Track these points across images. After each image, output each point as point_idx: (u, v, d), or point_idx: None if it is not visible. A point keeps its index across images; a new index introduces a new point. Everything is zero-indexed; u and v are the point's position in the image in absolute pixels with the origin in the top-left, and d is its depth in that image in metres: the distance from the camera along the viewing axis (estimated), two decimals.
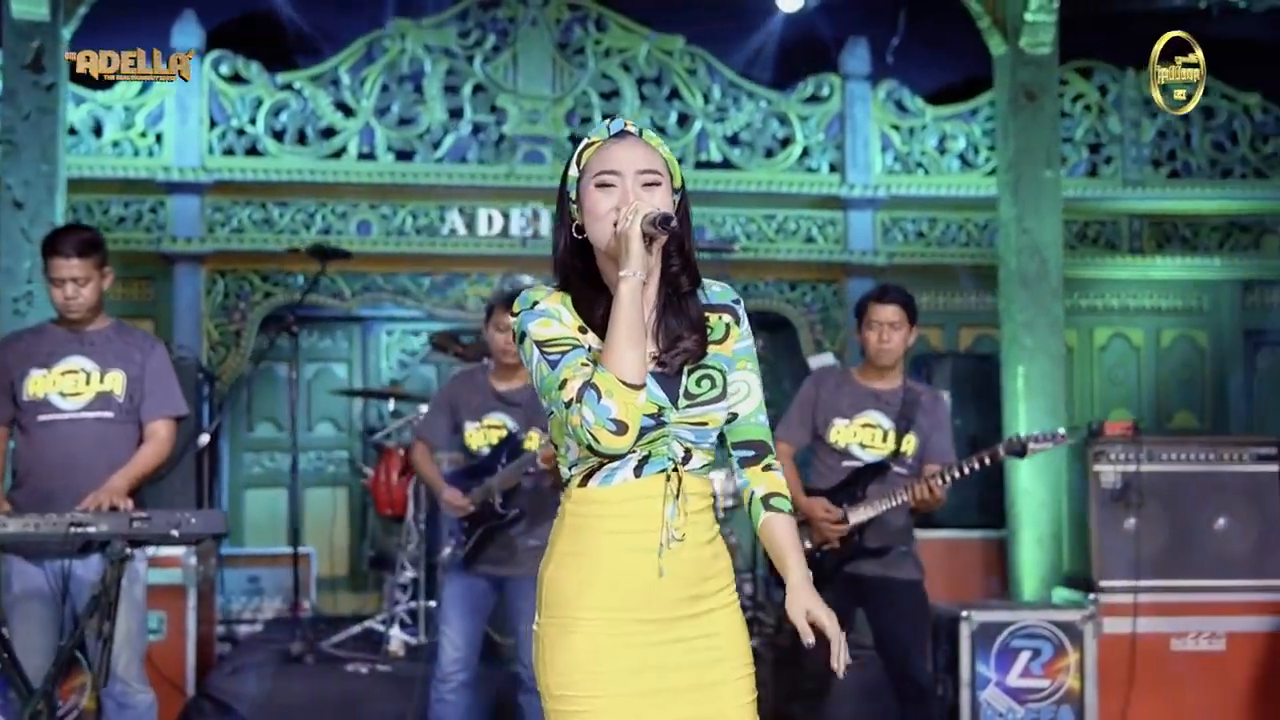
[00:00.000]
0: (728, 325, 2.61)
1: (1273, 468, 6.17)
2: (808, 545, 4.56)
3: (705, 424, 2.54)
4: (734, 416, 2.61)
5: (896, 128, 8.92)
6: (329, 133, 8.46)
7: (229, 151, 8.39)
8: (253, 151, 8.42)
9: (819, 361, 6.95)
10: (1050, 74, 6.76)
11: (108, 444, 4.53)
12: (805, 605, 2.50)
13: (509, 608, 5.00)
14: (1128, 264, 9.16)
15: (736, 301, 2.65)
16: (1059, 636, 5.70)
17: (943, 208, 8.94)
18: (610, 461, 2.50)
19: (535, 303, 2.55)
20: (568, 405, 2.44)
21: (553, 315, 2.54)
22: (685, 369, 2.54)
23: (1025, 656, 5.66)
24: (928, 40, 9.07)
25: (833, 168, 8.85)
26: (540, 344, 2.51)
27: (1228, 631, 6.05)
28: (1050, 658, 5.69)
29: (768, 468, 2.62)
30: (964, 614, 5.64)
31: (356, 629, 6.61)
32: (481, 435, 5.03)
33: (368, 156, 8.50)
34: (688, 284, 2.56)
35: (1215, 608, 6.06)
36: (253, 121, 8.41)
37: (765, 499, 2.59)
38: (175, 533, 4.15)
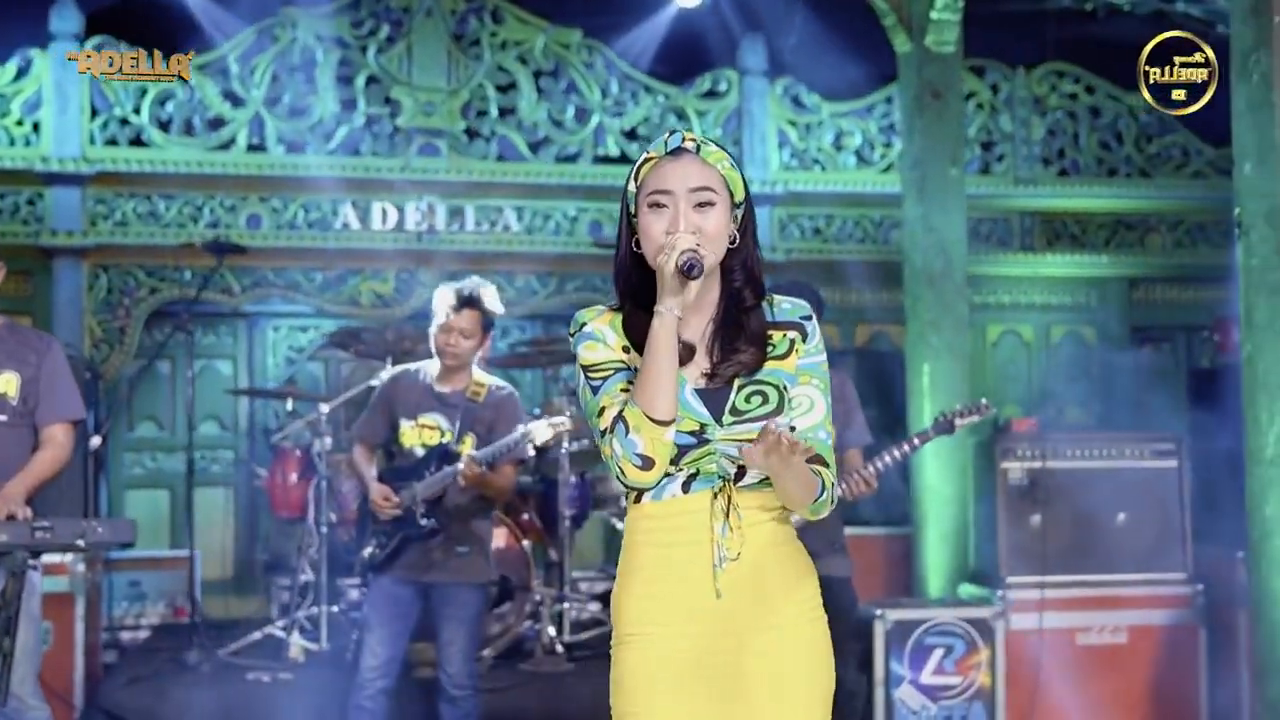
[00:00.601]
0: (792, 341, 2.55)
1: (1172, 463, 6.26)
2: None
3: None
4: (792, 429, 2.52)
5: (794, 124, 8.92)
6: (217, 123, 8.22)
7: (112, 142, 8.10)
8: (137, 142, 8.14)
9: None
10: (955, 72, 6.80)
11: (2, 449, 4.31)
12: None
13: (434, 614, 4.86)
14: (1019, 261, 9.27)
15: (807, 318, 2.59)
16: (971, 633, 5.72)
17: (839, 204, 8.95)
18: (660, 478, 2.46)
19: (583, 325, 2.54)
20: (603, 434, 2.44)
21: (598, 338, 2.52)
22: (736, 385, 2.48)
23: (938, 654, 5.68)
24: (824, 37, 9.07)
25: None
26: (586, 369, 2.51)
27: (1129, 625, 6.13)
28: (963, 655, 5.72)
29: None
30: (879, 612, 5.65)
31: (257, 635, 6.40)
32: (415, 434, 4.90)
33: (257, 148, 8.26)
34: (751, 298, 2.52)
35: (1117, 601, 6.13)
36: (137, 111, 8.13)
37: None
38: (81, 543, 3.97)
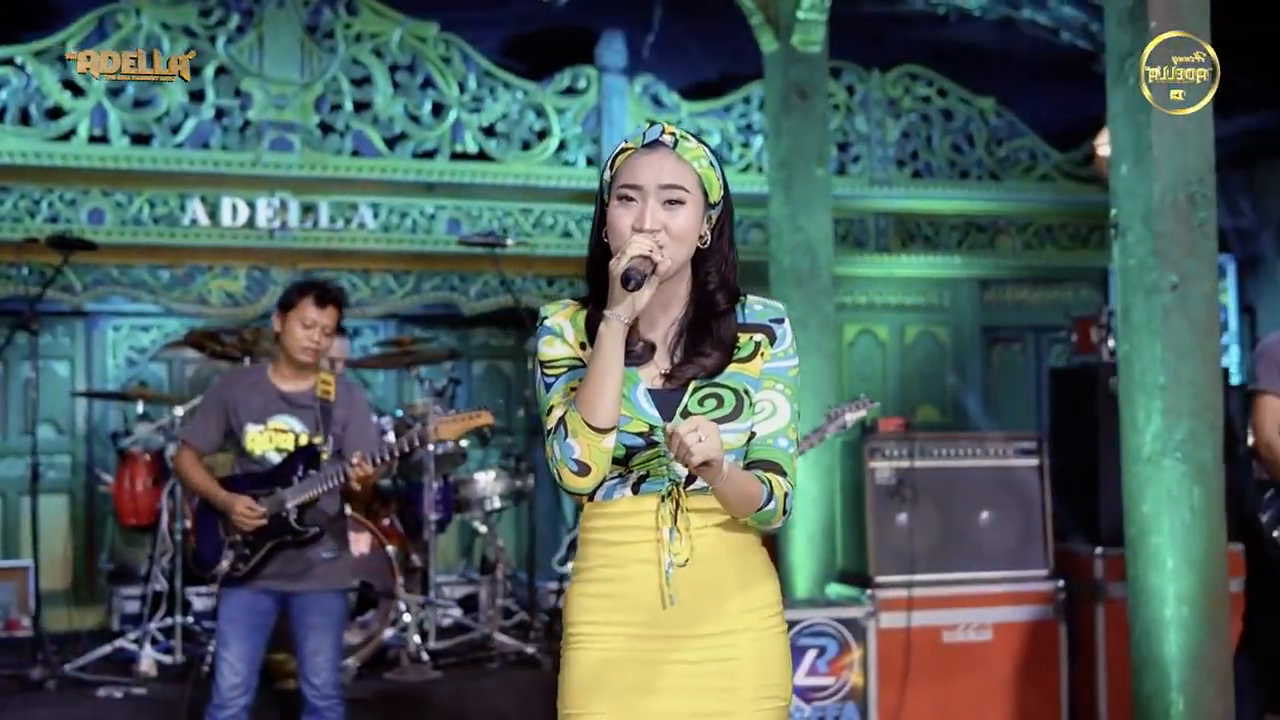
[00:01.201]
0: (758, 344, 2.46)
1: (1033, 462, 6.35)
2: None
3: None
4: (752, 435, 2.46)
5: (652, 123, 8.84)
6: (56, 113, 7.85)
7: None
8: None
9: None
10: (821, 73, 6.79)
11: None
12: None
13: (296, 623, 4.67)
14: (874, 261, 9.37)
15: (778, 320, 2.50)
16: (843, 634, 5.72)
17: None
18: (608, 479, 2.41)
19: (545, 318, 2.48)
20: (548, 435, 2.40)
21: (556, 333, 2.46)
22: (691, 386, 2.40)
23: (812, 655, 5.67)
24: (683, 36, 9.06)
25: (590, 161, 8.74)
26: (542, 364, 2.46)
27: (994, 622, 6.19)
28: (835, 655, 5.71)
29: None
30: None
31: (106, 649, 6.10)
32: (267, 439, 4.67)
33: (100, 139, 7.91)
34: (724, 303, 2.44)
35: (982, 599, 6.18)
36: None
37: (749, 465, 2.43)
38: None
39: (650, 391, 2.41)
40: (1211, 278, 4.29)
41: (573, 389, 2.39)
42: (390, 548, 6.08)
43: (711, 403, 2.40)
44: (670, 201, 2.36)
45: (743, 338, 2.46)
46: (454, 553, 8.53)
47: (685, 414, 2.38)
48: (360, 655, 5.93)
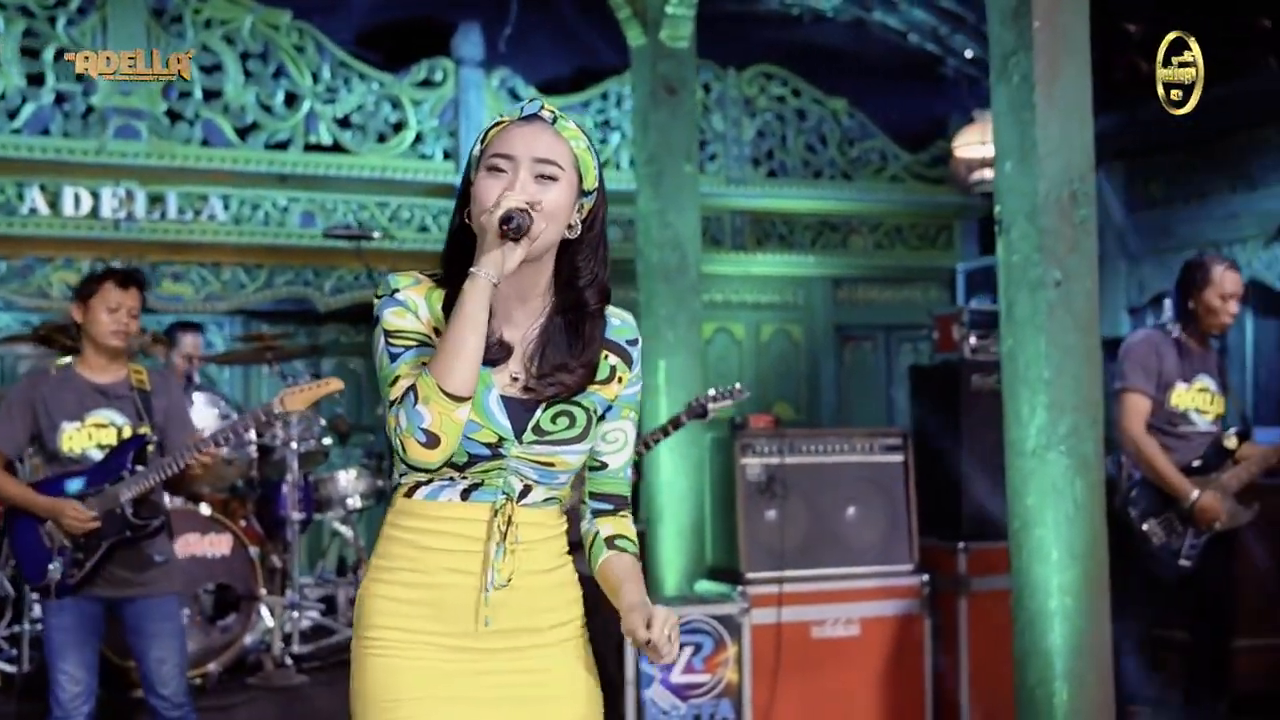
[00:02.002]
0: (613, 368, 2.33)
1: (899, 458, 6.41)
2: None
3: (551, 465, 2.27)
4: (603, 465, 2.37)
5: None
6: None
7: None
8: None
9: None
10: (689, 68, 6.77)
11: None
12: (641, 617, 2.20)
13: (134, 633, 4.43)
14: (731, 260, 9.40)
15: (633, 342, 2.36)
16: (719, 630, 5.70)
17: None
18: (438, 478, 2.23)
19: (396, 290, 2.26)
20: (391, 405, 2.17)
21: (409, 307, 2.25)
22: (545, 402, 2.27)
23: (688, 652, 5.62)
24: (538, 30, 8.97)
25: (447, 155, 8.60)
26: (388, 334, 2.23)
27: (861, 617, 6.22)
28: (711, 652, 5.68)
29: (623, 516, 2.40)
30: None
31: None
32: (85, 436, 4.43)
33: None
34: (594, 301, 2.28)
35: (850, 595, 6.20)
36: None
37: (610, 539, 2.37)
38: None
39: (503, 399, 2.25)
40: (1093, 274, 4.36)
41: (424, 363, 2.18)
42: (252, 549, 5.89)
43: (564, 421, 2.27)
44: (543, 176, 2.20)
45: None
46: (309, 553, 8.31)
47: (538, 430, 2.25)
48: (222, 660, 5.73)
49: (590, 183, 2.27)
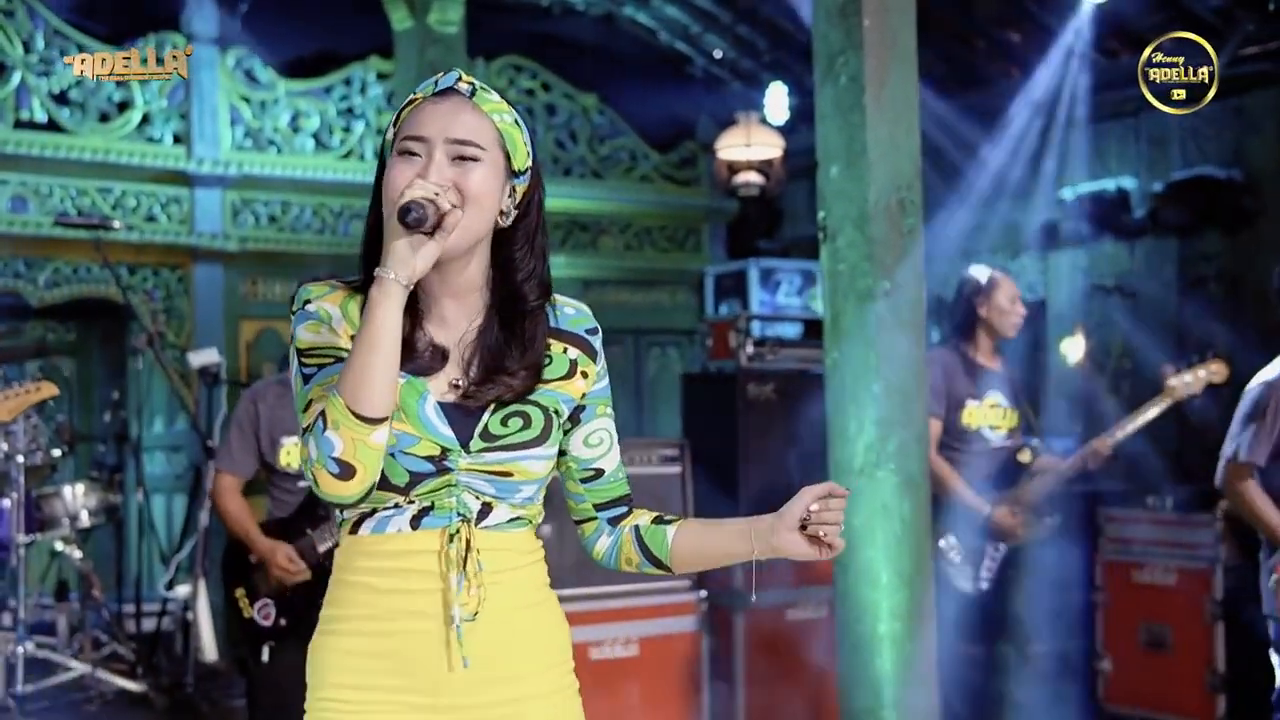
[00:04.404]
0: (574, 361, 2.04)
1: (676, 469, 6.21)
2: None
3: (509, 475, 1.96)
4: (598, 473, 2.12)
5: (247, 100, 8.16)
6: None
7: None
8: None
9: (201, 359, 6.11)
10: (459, 54, 6.41)
11: None
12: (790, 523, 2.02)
13: None
14: None
15: (592, 331, 2.09)
16: None
17: (296, 190, 8.29)
18: (381, 507, 1.93)
19: (307, 301, 1.95)
20: (304, 433, 1.86)
21: (322, 320, 1.93)
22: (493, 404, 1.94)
23: None
24: (281, 7, 8.37)
25: (177, 139, 7.94)
26: (301, 352, 1.95)
27: (640, 636, 6.00)
28: None
29: (640, 509, 2.19)
30: None
31: None
32: None
33: None
34: (534, 297, 1.98)
35: (628, 613, 5.99)
36: None
37: (656, 519, 2.17)
38: None
39: (441, 406, 1.95)
40: (920, 284, 4.21)
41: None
42: None
43: (517, 422, 1.97)
44: (461, 158, 1.90)
45: (554, 346, 2.04)
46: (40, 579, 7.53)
47: (487, 435, 1.94)
48: None
49: (521, 163, 1.98)
